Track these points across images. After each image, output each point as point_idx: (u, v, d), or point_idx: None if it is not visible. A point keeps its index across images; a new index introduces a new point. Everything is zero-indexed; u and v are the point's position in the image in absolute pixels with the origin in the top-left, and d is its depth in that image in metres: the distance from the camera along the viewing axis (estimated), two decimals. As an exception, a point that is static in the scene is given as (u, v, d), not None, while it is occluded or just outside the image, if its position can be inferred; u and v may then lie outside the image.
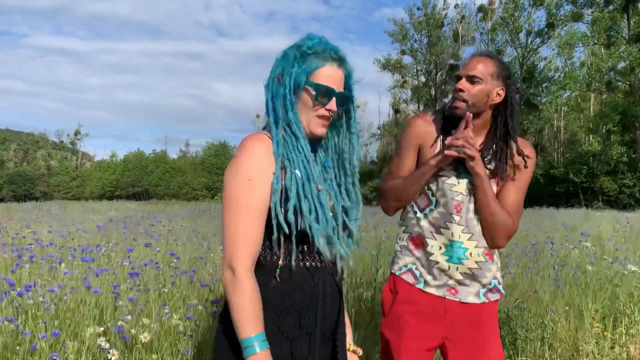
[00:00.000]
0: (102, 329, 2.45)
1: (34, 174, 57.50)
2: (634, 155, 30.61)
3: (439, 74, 48.34)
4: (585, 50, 36.46)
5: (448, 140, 1.66)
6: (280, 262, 1.24)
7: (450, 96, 1.80)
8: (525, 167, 1.74)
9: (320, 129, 1.30)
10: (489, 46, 44.67)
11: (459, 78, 1.71)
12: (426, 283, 1.76)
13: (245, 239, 1.19)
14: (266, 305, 1.21)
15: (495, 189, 1.73)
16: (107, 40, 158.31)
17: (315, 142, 1.35)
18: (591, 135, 35.66)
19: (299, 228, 1.21)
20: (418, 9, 47.36)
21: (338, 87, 1.29)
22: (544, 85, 40.28)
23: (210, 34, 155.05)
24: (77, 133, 65.59)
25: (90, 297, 2.88)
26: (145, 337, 2.51)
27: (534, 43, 41.46)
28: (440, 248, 1.74)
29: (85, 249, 4.57)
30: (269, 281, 1.24)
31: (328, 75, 1.28)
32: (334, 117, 1.34)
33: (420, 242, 1.78)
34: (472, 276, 1.73)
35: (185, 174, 52.23)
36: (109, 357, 2.26)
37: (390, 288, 1.84)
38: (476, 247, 1.73)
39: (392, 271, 1.85)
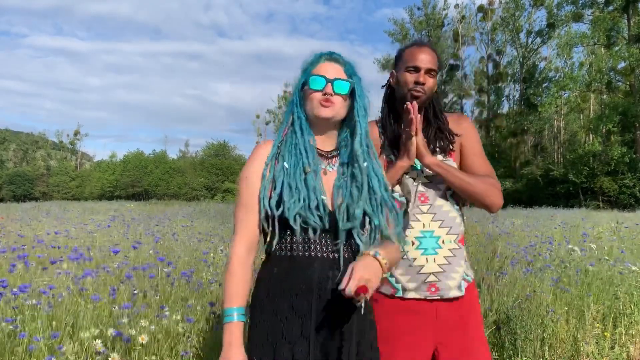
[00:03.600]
0: (97, 330, 2.43)
1: (34, 174, 57.55)
2: (634, 155, 30.63)
3: (439, 73, 48.28)
4: (585, 50, 36.49)
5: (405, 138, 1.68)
6: (280, 252, 1.41)
7: (404, 87, 1.77)
8: (456, 136, 1.78)
9: (322, 111, 1.44)
10: (489, 46, 44.73)
11: (415, 69, 1.72)
12: (404, 289, 1.69)
13: (242, 227, 1.43)
14: (268, 292, 1.41)
15: (456, 166, 1.76)
16: (107, 40, 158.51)
17: (339, 142, 1.52)
18: (592, 136, 35.71)
19: (282, 214, 1.37)
20: (418, 8, 47.43)
21: (334, 76, 1.46)
22: (544, 85, 40.31)
23: (210, 34, 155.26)
24: (76, 133, 65.67)
25: (88, 299, 2.87)
26: (142, 338, 2.50)
27: (534, 43, 41.50)
28: (413, 243, 1.69)
29: (74, 248, 4.56)
30: (272, 270, 1.42)
31: (322, 68, 1.47)
32: (346, 106, 1.48)
33: None
34: (449, 266, 1.69)
35: (184, 174, 52.27)
36: None
37: (375, 301, 1.75)
38: (448, 234, 1.71)
39: None
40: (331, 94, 1.44)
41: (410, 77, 1.72)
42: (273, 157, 1.45)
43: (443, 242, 1.70)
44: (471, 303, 1.76)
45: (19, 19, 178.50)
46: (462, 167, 1.78)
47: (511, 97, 44.85)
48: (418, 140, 1.65)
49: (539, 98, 38.32)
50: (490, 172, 1.77)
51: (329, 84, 1.44)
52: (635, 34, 32.29)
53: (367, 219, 1.43)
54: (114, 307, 2.80)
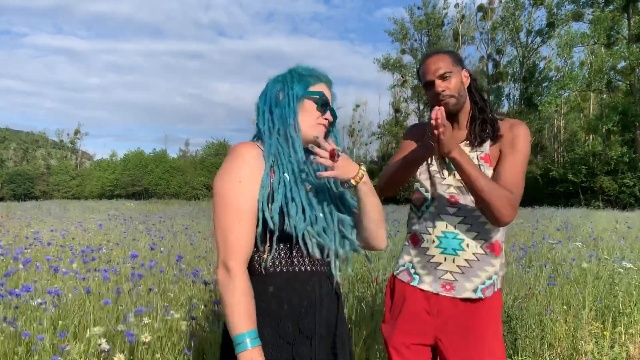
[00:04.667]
0: (102, 329, 2.45)
1: (34, 173, 57.47)
2: (634, 155, 30.61)
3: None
4: (586, 49, 36.46)
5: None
6: (274, 269, 1.30)
7: (431, 108, 1.76)
8: (500, 135, 1.72)
9: (319, 131, 1.40)
10: (489, 45, 44.69)
11: (430, 84, 1.72)
12: (420, 280, 1.77)
13: (238, 239, 1.24)
14: (265, 312, 1.26)
15: (491, 173, 1.71)
16: (107, 40, 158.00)
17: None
18: (592, 136, 35.69)
19: (284, 229, 1.26)
20: (418, 8, 47.39)
21: (331, 104, 1.44)
22: (544, 85, 40.29)
23: (210, 34, 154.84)
24: (77, 132, 65.56)
25: (92, 297, 2.88)
26: (146, 337, 2.51)
27: (534, 42, 41.46)
28: (434, 241, 1.75)
29: (85, 250, 4.57)
30: (266, 288, 1.29)
31: (322, 88, 1.43)
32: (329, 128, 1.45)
33: (417, 239, 1.81)
34: (470, 269, 1.71)
35: (185, 174, 52.21)
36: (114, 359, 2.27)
37: (390, 288, 1.89)
38: (475, 238, 1.71)
39: (393, 271, 1.89)
40: (330, 121, 1.43)
41: (429, 94, 1.75)
42: (271, 166, 1.31)
43: (467, 245, 1.71)
44: (489, 309, 1.74)
45: (19, 19, 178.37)
46: (495, 168, 1.73)
47: (511, 96, 44.85)
48: (445, 134, 1.56)
49: (539, 97, 38.29)
50: (515, 185, 1.66)
51: (329, 111, 1.43)
52: (635, 34, 32.24)
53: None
54: (120, 306, 2.82)
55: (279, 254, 1.31)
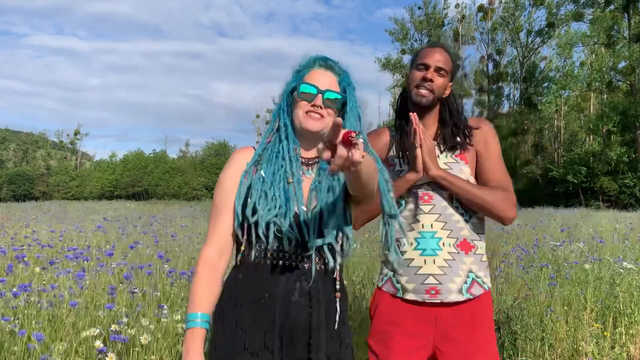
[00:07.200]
0: (97, 330, 2.43)
1: (34, 173, 57.53)
2: (634, 155, 30.62)
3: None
4: (586, 49, 36.49)
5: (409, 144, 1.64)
6: (249, 260, 1.34)
7: (411, 85, 1.71)
8: (475, 129, 1.73)
9: (309, 123, 1.37)
10: (489, 45, 44.73)
11: (424, 67, 1.69)
12: (404, 289, 1.67)
13: (211, 232, 1.38)
14: (230, 298, 1.34)
15: (469, 170, 1.70)
16: (107, 40, 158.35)
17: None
18: (591, 136, 35.72)
19: (256, 222, 1.30)
20: (419, 8, 47.46)
21: (326, 87, 1.38)
22: (544, 85, 40.31)
23: (210, 34, 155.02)
24: (76, 133, 65.61)
25: (86, 297, 2.87)
26: (145, 338, 2.49)
27: (534, 43, 41.49)
28: (412, 243, 1.67)
29: (76, 249, 4.55)
30: (238, 275, 1.36)
31: (314, 75, 1.39)
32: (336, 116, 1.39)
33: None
34: (450, 269, 1.64)
35: (185, 174, 52.25)
36: None
37: (375, 301, 1.78)
38: (448, 237, 1.66)
39: (377, 284, 1.79)
40: (321, 107, 1.36)
41: (418, 74, 1.69)
42: (252, 165, 1.39)
43: (444, 244, 1.65)
44: (480, 311, 1.69)
45: (20, 19, 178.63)
46: (477, 172, 1.73)
47: (511, 96, 44.88)
48: (423, 152, 1.61)
49: (540, 98, 38.33)
50: (505, 183, 1.70)
51: (320, 95, 1.36)
52: (635, 34, 32.26)
53: (340, 233, 1.33)
54: (115, 305, 2.80)
55: (260, 247, 1.33)
